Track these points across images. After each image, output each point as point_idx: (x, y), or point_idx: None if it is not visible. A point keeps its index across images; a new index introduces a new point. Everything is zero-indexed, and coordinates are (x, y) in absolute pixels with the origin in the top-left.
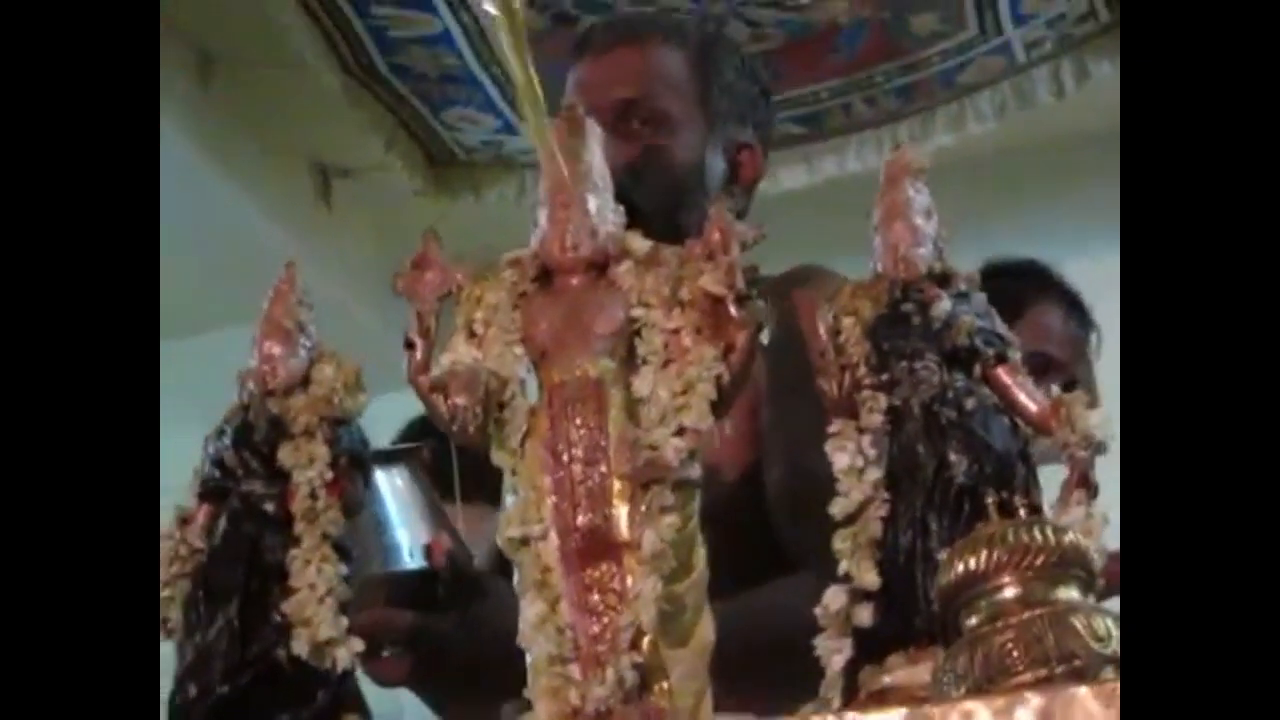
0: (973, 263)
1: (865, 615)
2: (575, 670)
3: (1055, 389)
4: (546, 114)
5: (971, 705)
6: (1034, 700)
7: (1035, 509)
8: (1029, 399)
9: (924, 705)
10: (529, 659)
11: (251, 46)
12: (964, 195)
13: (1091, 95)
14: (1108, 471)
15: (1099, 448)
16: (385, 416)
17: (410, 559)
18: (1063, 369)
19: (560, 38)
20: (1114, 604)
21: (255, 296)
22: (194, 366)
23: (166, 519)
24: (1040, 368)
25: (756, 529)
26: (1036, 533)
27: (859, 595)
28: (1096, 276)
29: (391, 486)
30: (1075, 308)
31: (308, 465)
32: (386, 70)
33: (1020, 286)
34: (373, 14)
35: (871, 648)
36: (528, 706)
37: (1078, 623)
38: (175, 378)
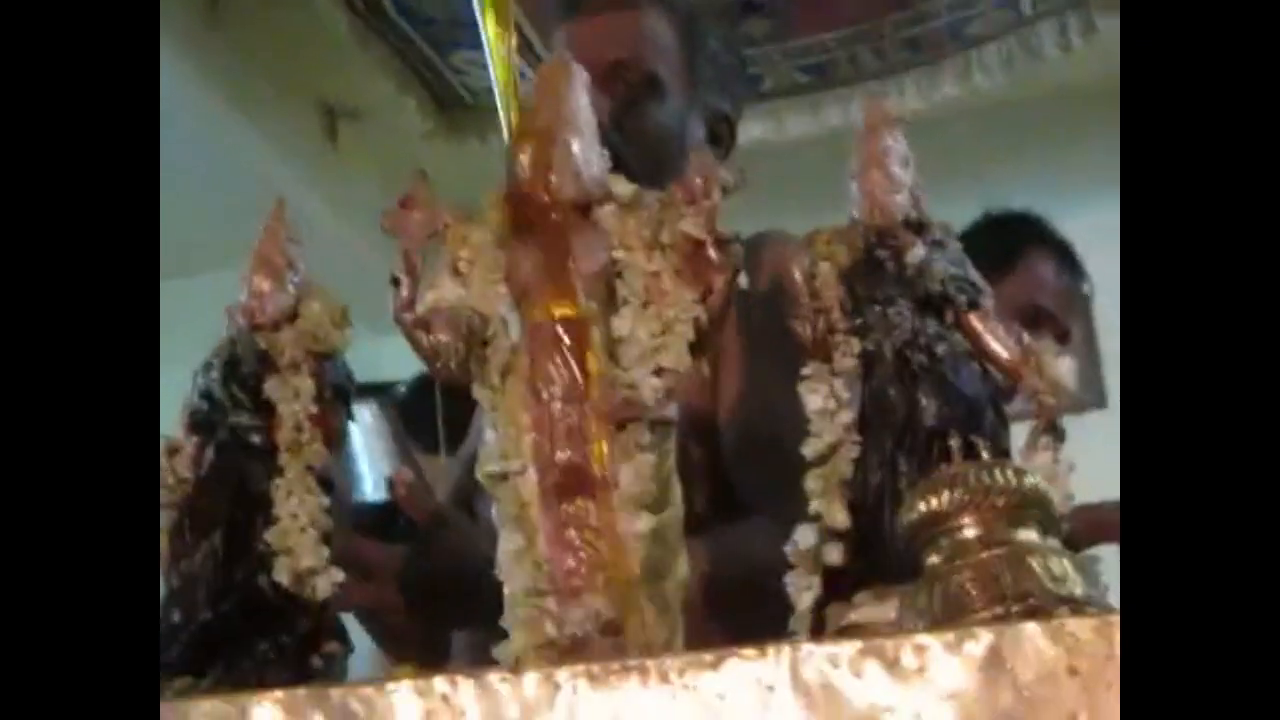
0: (974, 212)
1: (835, 554)
2: (552, 603)
3: (1025, 337)
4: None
5: (924, 639)
6: (984, 636)
7: (1002, 452)
8: (1000, 346)
9: (876, 639)
10: (505, 590)
11: None
12: (969, 146)
13: (1098, 49)
14: (1109, 428)
15: (1066, 395)
16: (391, 356)
17: (373, 491)
18: (1055, 320)
19: None
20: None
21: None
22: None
23: None
24: (1032, 319)
25: (709, 473)
26: (998, 474)
27: (829, 534)
28: (1098, 230)
29: (360, 421)
30: (1067, 259)
31: (293, 399)
32: (394, 12)
33: (1014, 238)
34: None
35: (840, 586)
36: (483, 638)
37: (1034, 563)
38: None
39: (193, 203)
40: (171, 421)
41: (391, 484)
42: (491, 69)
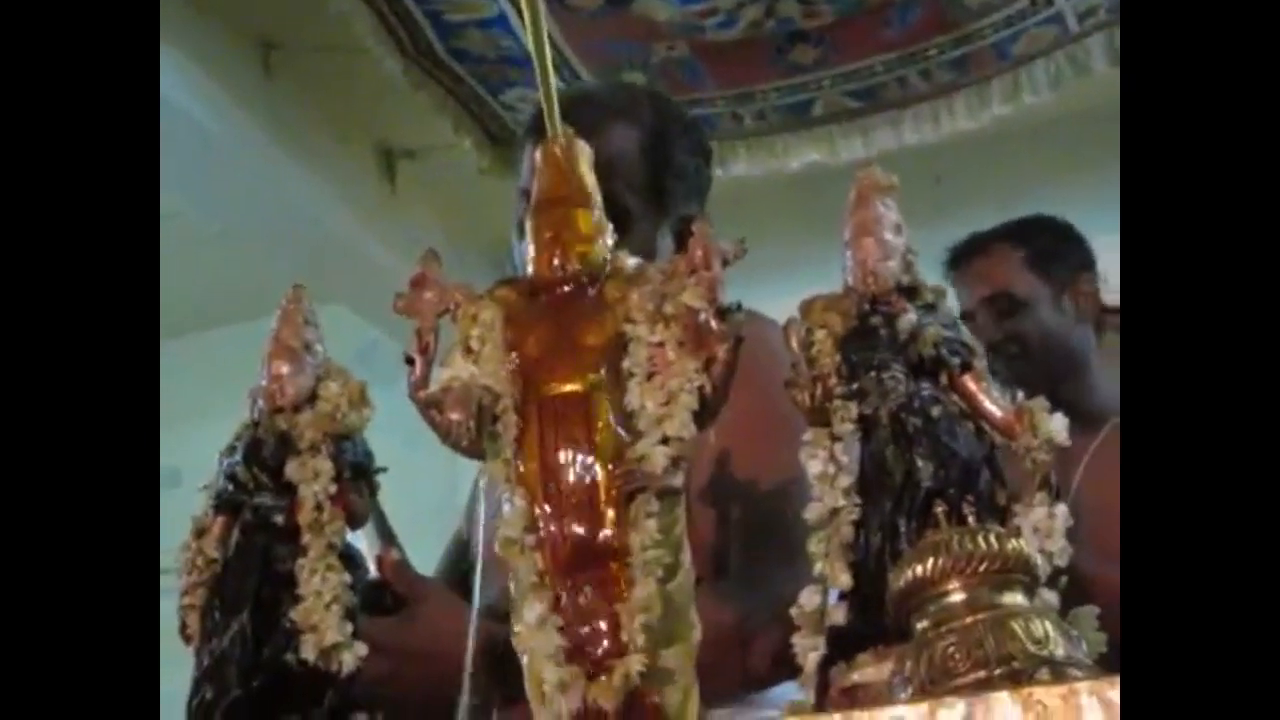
0: None
1: (839, 615)
2: (578, 671)
3: (1020, 396)
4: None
5: (901, 711)
6: (958, 705)
7: (998, 510)
8: (993, 405)
9: (853, 711)
10: (526, 659)
11: (312, 33)
12: (1021, 165)
13: None
14: None
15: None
16: None
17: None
18: (1027, 308)
19: (614, 19)
20: None
21: (325, 276)
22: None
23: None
24: (1006, 310)
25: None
26: (981, 540)
27: (832, 595)
28: None
29: None
30: (1044, 254)
31: (313, 479)
32: (445, 54)
33: (979, 233)
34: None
35: (844, 646)
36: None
37: (1017, 626)
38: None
39: (258, 252)
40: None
41: (380, 563)
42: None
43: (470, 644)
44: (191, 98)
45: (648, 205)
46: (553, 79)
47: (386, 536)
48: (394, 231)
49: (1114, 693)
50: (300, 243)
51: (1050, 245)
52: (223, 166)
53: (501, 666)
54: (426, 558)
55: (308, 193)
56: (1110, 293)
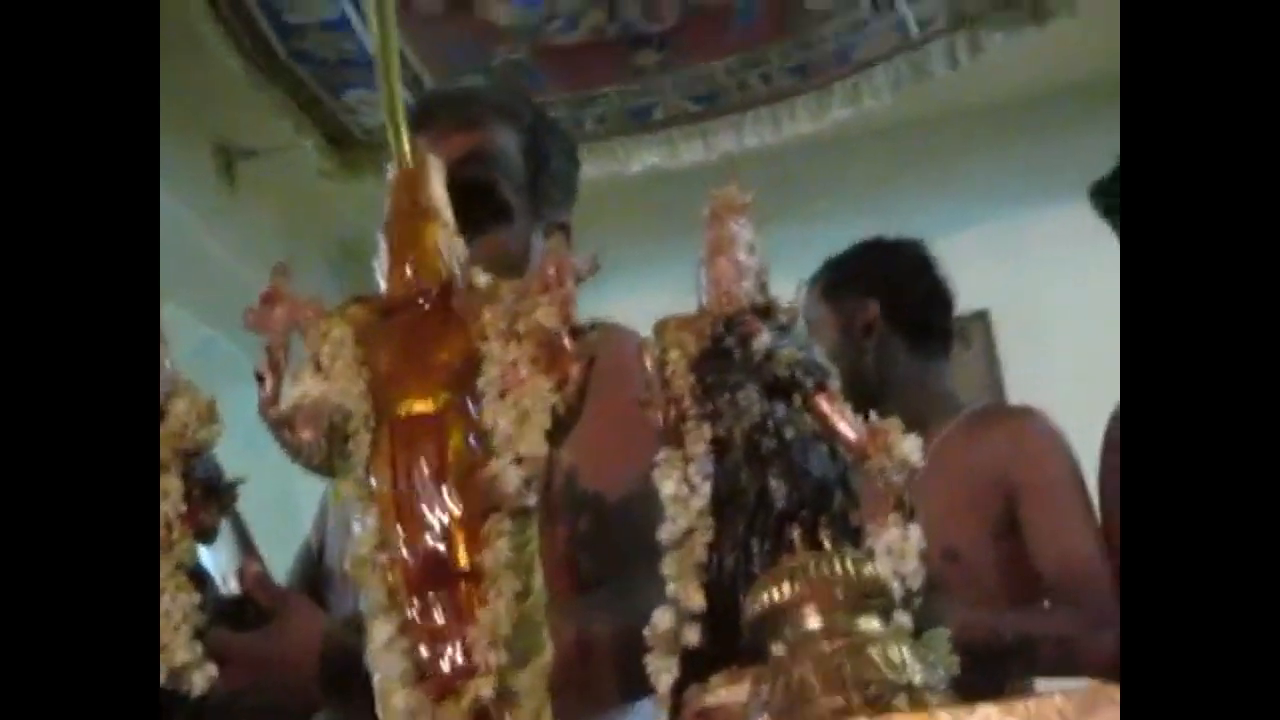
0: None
1: (692, 635)
2: (424, 693)
3: (875, 415)
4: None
5: None
6: None
7: (852, 532)
8: (847, 427)
9: None
10: (375, 679)
11: None
12: (861, 168)
13: (985, 67)
14: None
15: (913, 473)
16: None
17: (223, 584)
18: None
19: (456, 22)
20: None
21: (161, 275)
22: None
23: None
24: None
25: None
26: (837, 565)
27: (686, 616)
28: (987, 242)
29: None
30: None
31: (163, 499)
32: (285, 54)
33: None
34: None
35: (697, 667)
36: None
37: (874, 652)
38: None
39: None
40: None
41: (241, 574)
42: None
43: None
44: None
45: (525, 204)
46: (401, 101)
47: (247, 548)
48: (233, 231)
49: (972, 718)
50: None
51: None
52: None
53: (359, 680)
54: (268, 561)
55: None
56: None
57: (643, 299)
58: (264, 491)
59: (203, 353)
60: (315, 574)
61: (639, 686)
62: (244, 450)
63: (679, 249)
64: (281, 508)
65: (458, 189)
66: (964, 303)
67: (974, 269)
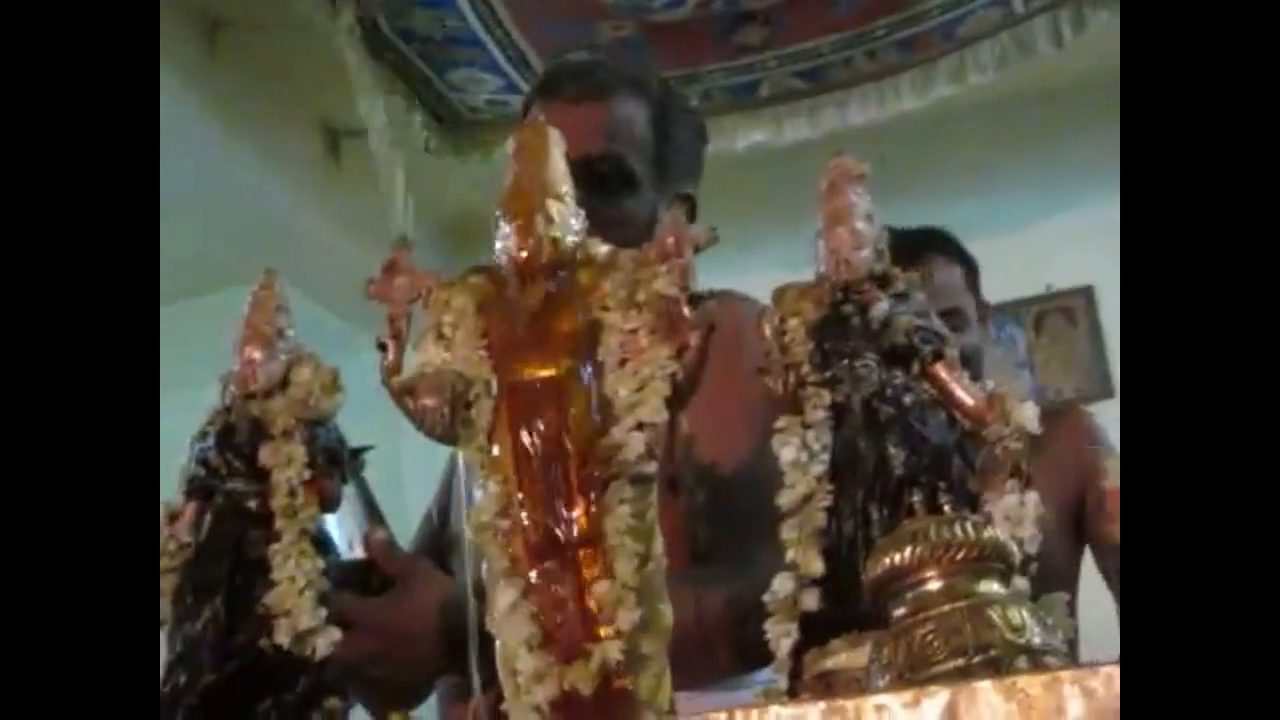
0: (975, 212)
1: (811, 600)
2: (550, 657)
3: (990, 384)
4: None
5: (884, 699)
6: (941, 694)
7: (969, 498)
8: (965, 393)
9: (838, 699)
10: (499, 643)
11: (257, 10)
12: (966, 145)
13: (1090, 42)
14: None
15: (1030, 439)
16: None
17: (347, 549)
18: (969, 325)
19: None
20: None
21: (269, 254)
22: (208, 325)
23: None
24: (956, 324)
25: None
26: (958, 529)
27: (805, 581)
28: (1098, 222)
29: None
30: (974, 271)
31: (286, 465)
32: (390, 32)
33: (924, 248)
34: None
35: (817, 632)
36: (463, 683)
37: (994, 614)
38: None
39: (199, 228)
40: (176, 445)
41: (366, 541)
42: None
43: (471, 619)
44: None
45: (652, 175)
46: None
47: (373, 515)
48: (338, 210)
49: (1095, 682)
50: (244, 221)
51: (973, 265)
52: (166, 144)
53: (482, 645)
54: None
55: (252, 171)
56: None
57: (744, 277)
58: (372, 465)
59: (314, 330)
60: (439, 541)
61: (755, 658)
62: (352, 425)
63: (784, 226)
64: (390, 480)
65: (583, 160)
66: (1068, 280)
67: (1078, 246)
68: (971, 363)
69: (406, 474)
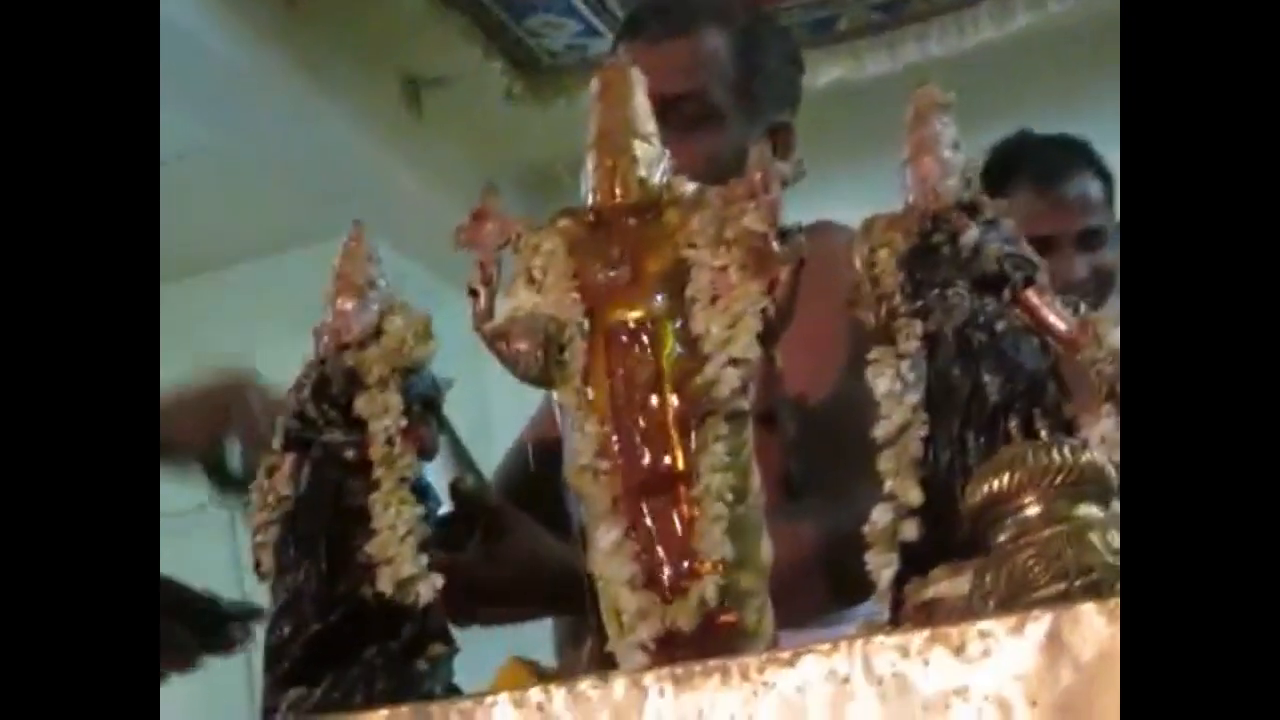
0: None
1: (910, 530)
2: (655, 596)
3: (1082, 308)
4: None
5: (987, 625)
6: (1044, 618)
7: (1064, 424)
8: (1057, 319)
9: (942, 627)
10: (601, 583)
11: None
12: (1043, 75)
13: None
14: None
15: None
16: None
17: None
18: (1109, 243)
19: None
20: None
21: (353, 206)
22: (298, 279)
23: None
24: (1094, 243)
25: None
26: (1055, 453)
27: (904, 511)
28: None
29: None
30: (1111, 185)
31: (383, 414)
32: None
33: (1061, 158)
34: None
35: (917, 562)
36: (574, 627)
37: (1095, 538)
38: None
39: (284, 184)
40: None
41: (454, 489)
42: None
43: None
44: (214, 31)
45: (738, 103)
46: None
47: (465, 464)
48: (421, 160)
49: None
50: (327, 174)
51: (1111, 179)
52: (247, 100)
53: (580, 588)
54: None
55: (333, 124)
56: None
57: (828, 212)
58: (459, 418)
59: (399, 281)
60: (530, 471)
61: (854, 591)
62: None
63: (867, 161)
64: (480, 431)
65: (666, 99)
66: None
67: None
68: (1110, 282)
69: (496, 425)
